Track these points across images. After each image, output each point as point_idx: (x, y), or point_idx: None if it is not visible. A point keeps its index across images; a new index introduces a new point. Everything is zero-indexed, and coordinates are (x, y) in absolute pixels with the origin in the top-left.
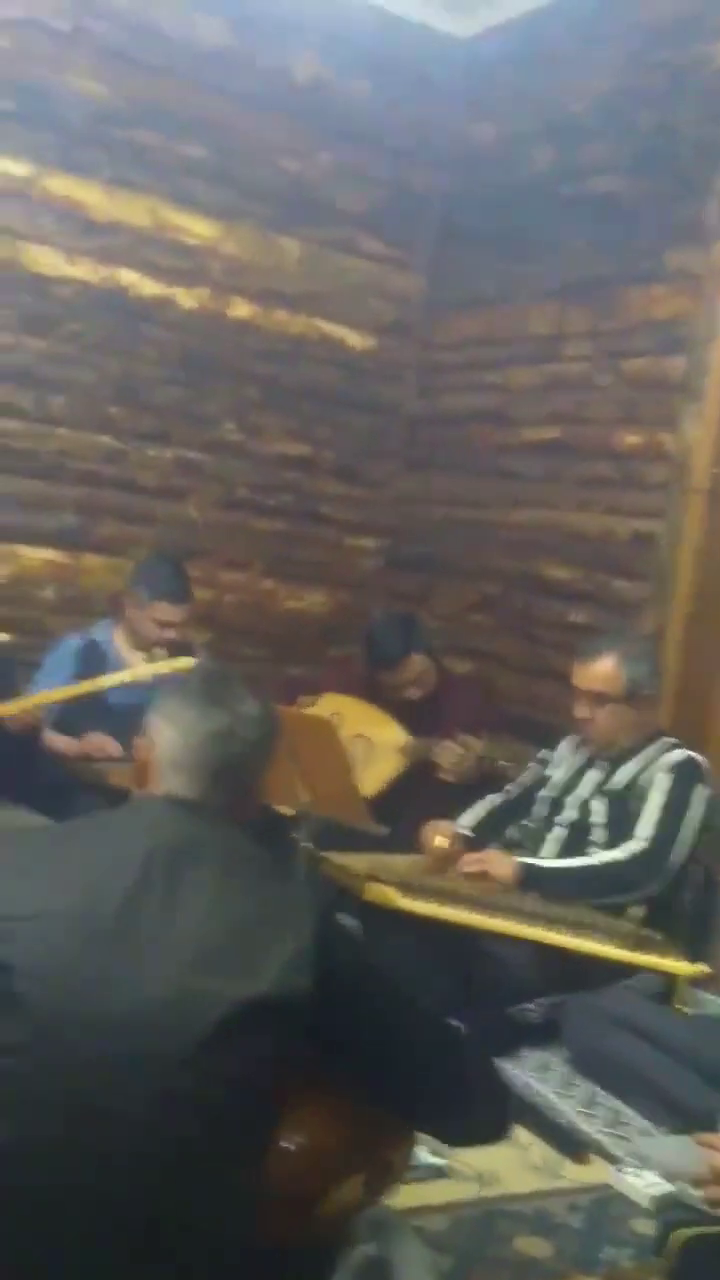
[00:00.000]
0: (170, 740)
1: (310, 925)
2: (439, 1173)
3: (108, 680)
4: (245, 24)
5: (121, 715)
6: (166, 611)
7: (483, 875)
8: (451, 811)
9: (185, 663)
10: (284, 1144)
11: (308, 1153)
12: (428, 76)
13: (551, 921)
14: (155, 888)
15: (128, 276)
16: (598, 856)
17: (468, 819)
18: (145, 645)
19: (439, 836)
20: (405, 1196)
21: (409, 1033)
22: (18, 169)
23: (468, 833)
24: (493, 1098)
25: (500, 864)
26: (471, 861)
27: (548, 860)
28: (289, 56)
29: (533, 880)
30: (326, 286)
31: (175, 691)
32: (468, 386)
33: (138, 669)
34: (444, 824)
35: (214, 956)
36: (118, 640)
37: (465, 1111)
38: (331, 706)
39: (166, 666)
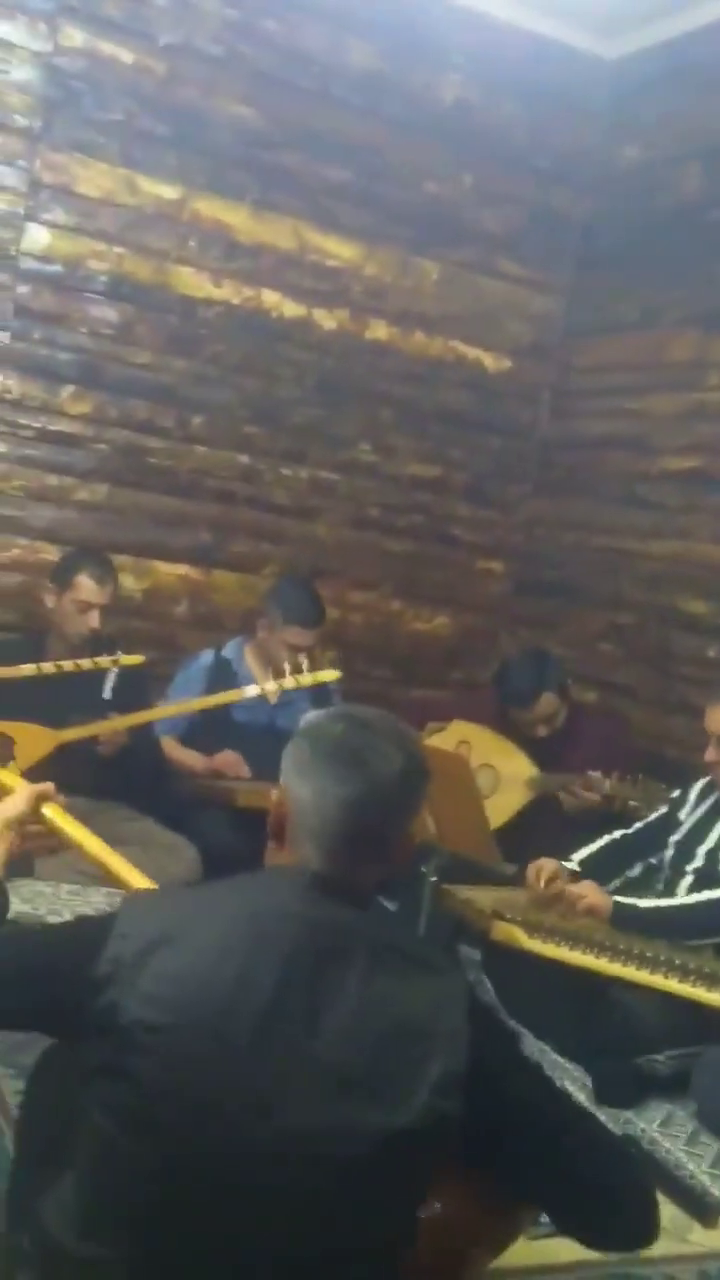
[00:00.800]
0: (304, 803)
1: (462, 1037)
2: None
3: (249, 691)
4: (393, 47)
5: (247, 733)
6: (298, 635)
7: (589, 911)
8: (575, 847)
9: (330, 675)
10: (421, 1214)
11: (442, 1221)
12: (573, 99)
13: (684, 972)
14: (296, 996)
15: (270, 298)
16: (693, 896)
17: (580, 854)
18: (275, 666)
19: (540, 876)
20: (531, 1254)
21: (560, 1139)
22: (169, 192)
23: (574, 868)
24: (642, 1203)
25: (598, 896)
26: (577, 898)
27: (644, 900)
28: (436, 79)
29: (625, 918)
30: (465, 308)
31: (311, 740)
32: (605, 412)
33: (284, 680)
34: (548, 863)
35: (357, 1080)
36: (248, 658)
37: (611, 1217)
38: (460, 734)
39: (310, 679)
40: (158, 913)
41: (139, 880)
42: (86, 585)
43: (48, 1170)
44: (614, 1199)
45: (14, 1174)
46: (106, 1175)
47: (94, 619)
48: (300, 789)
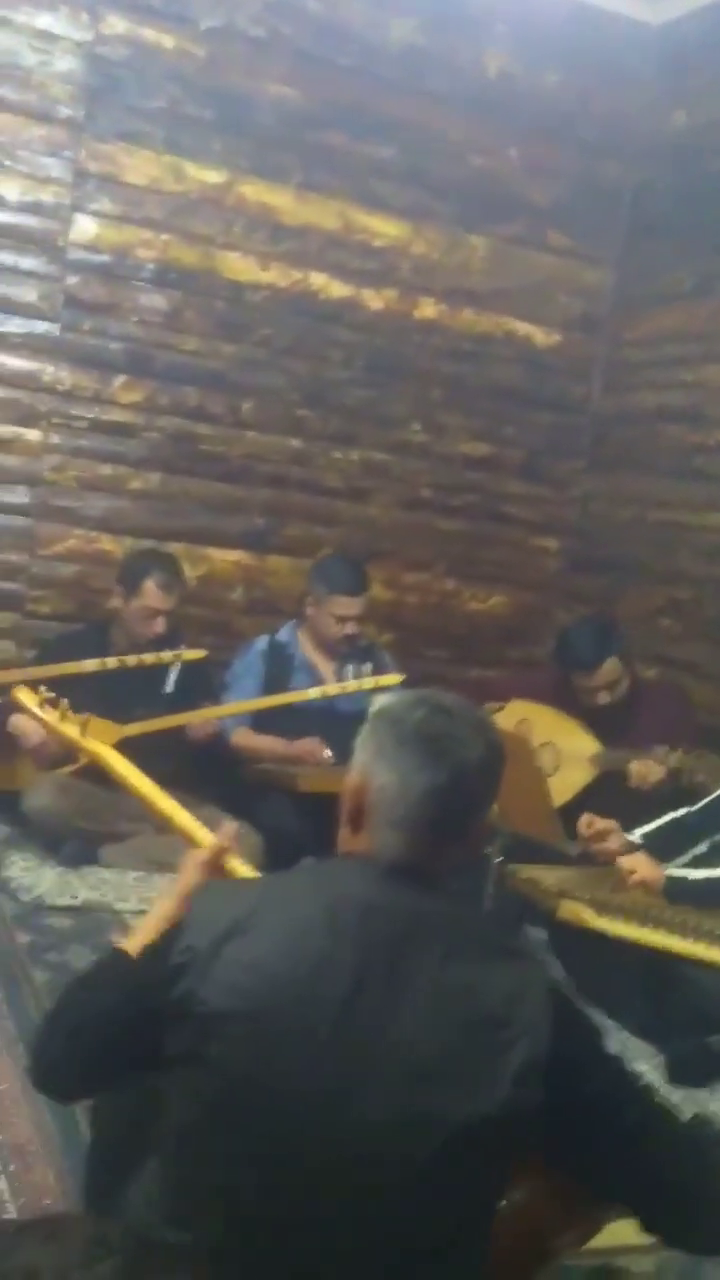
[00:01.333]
0: (386, 790)
1: (544, 1026)
2: None
3: (311, 693)
4: (435, 21)
5: (308, 716)
6: (342, 605)
7: (640, 884)
8: (641, 823)
9: (394, 679)
10: (502, 1202)
11: (525, 1213)
12: (620, 65)
13: None
14: (374, 983)
15: (317, 279)
16: None
17: (643, 829)
18: (326, 642)
19: (595, 825)
20: (609, 1236)
21: (641, 1138)
22: (214, 176)
23: (638, 841)
24: None
25: (650, 868)
26: (628, 872)
27: (696, 871)
28: (479, 52)
29: (678, 891)
30: (513, 283)
31: (392, 726)
32: (659, 384)
33: (347, 684)
34: (600, 820)
35: (438, 1068)
36: (302, 641)
37: (691, 1217)
38: (519, 713)
39: (373, 683)
40: (232, 900)
41: None
42: (153, 593)
43: (129, 1156)
44: (694, 1200)
45: (92, 1157)
46: (189, 1161)
47: (159, 625)
48: (382, 776)
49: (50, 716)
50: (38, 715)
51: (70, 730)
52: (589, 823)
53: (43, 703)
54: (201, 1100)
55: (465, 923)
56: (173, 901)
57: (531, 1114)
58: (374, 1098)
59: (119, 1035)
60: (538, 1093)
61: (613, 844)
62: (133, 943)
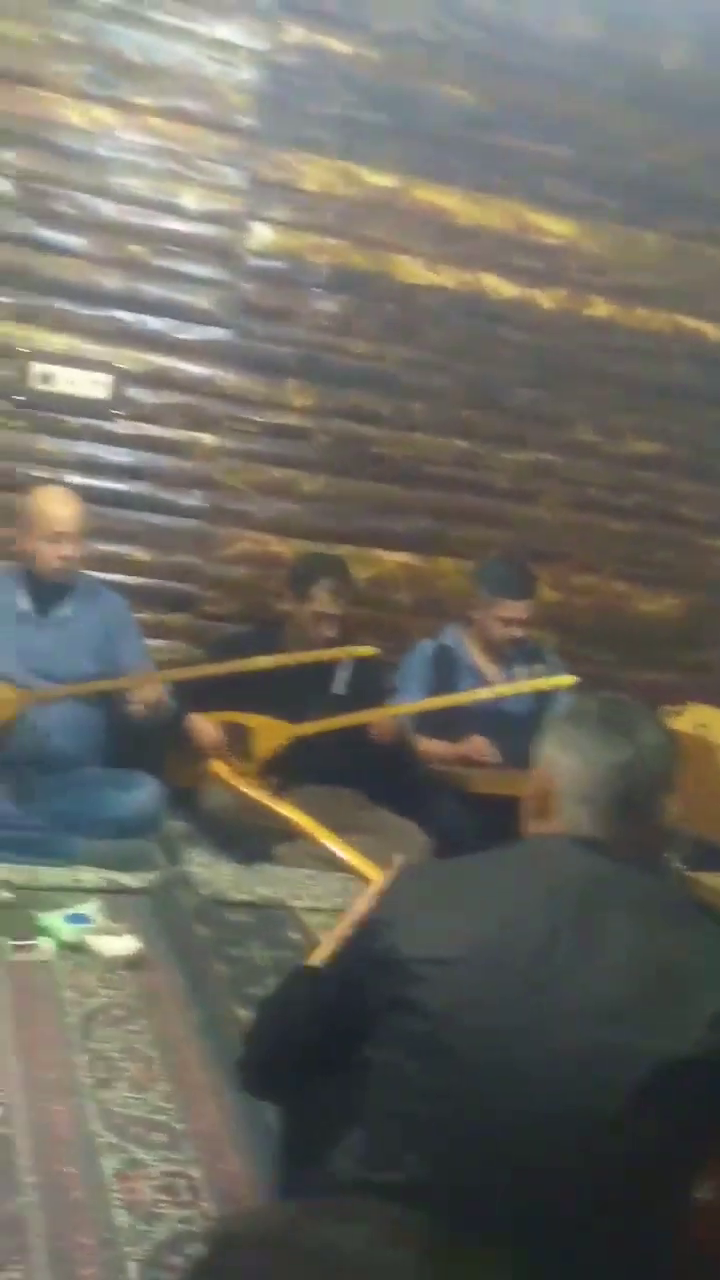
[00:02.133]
0: (572, 771)
1: None
2: None
3: (483, 693)
4: (613, 18)
5: (476, 718)
6: (508, 608)
7: None
8: None
9: (567, 680)
10: (696, 1195)
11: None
12: None
13: None
14: (566, 935)
15: (488, 280)
16: None
17: None
18: (492, 645)
19: None
20: None
21: None
22: (387, 181)
23: None
24: None
25: None
26: None
27: None
28: (655, 47)
29: None
30: (687, 280)
31: (572, 719)
32: None
33: (520, 684)
34: None
35: (630, 1010)
36: (468, 643)
37: None
38: (698, 717)
39: (547, 684)
40: (430, 873)
41: None
42: (323, 599)
43: (328, 1132)
44: None
45: (288, 1139)
46: (396, 1103)
47: (330, 629)
48: (568, 761)
49: (243, 784)
50: (233, 785)
51: (262, 796)
52: None
53: (235, 772)
54: (402, 1039)
55: (655, 887)
56: (353, 920)
57: None
58: (568, 1035)
59: (333, 1003)
60: None
61: None
62: (320, 954)
